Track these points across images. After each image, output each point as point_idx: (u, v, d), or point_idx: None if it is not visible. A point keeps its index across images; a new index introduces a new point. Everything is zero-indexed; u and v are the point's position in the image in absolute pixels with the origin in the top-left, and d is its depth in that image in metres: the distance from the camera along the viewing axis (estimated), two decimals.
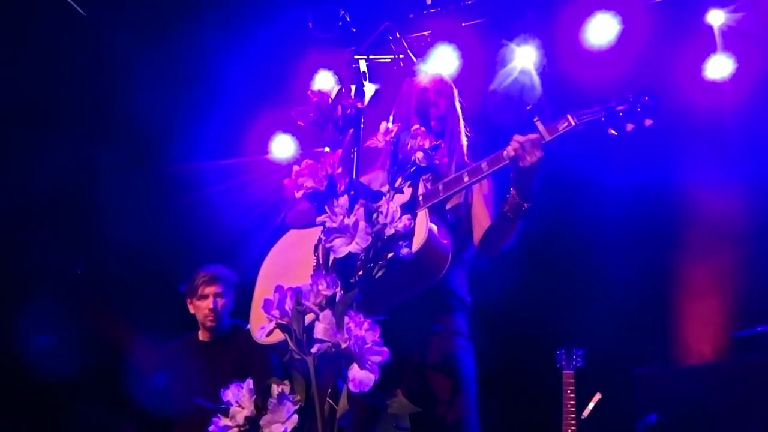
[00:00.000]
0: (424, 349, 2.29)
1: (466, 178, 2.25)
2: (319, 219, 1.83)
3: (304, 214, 2.23)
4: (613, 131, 2.20)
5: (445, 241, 2.21)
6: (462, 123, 2.58)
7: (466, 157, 2.54)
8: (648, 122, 2.17)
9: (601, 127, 2.20)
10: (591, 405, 3.79)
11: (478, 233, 2.41)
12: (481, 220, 2.41)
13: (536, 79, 4.12)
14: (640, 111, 2.16)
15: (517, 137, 2.18)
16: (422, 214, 2.16)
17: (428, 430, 2.18)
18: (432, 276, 2.18)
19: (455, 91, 2.58)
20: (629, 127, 2.18)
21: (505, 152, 2.20)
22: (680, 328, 4.27)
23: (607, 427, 3.83)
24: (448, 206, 2.35)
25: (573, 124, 2.18)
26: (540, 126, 2.20)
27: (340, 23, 4.18)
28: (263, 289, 2.42)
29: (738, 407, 3.41)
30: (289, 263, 2.37)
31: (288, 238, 2.49)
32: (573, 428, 3.65)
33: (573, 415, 3.67)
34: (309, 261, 2.29)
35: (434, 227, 2.17)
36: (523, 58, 4.20)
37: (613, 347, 4.07)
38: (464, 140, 2.57)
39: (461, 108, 2.59)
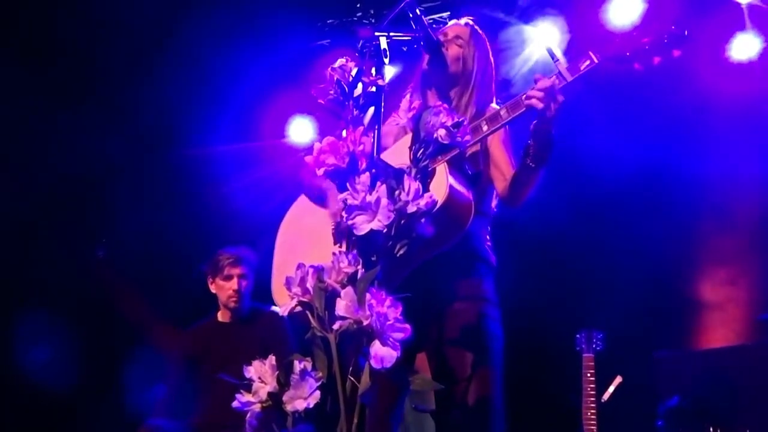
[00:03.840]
0: (447, 320, 2.22)
1: (485, 127, 2.15)
2: (341, 196, 1.82)
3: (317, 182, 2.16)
4: (638, 66, 2.04)
5: (467, 193, 2.14)
6: (492, 68, 2.44)
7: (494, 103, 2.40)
8: (676, 53, 2.01)
9: (625, 62, 2.04)
10: (611, 388, 3.77)
11: (500, 182, 2.29)
12: (503, 168, 2.29)
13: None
14: (668, 41, 2.01)
15: (533, 91, 2.04)
16: (441, 169, 2.07)
17: (452, 408, 2.15)
18: (456, 232, 2.09)
19: (482, 36, 2.44)
20: (656, 60, 2.02)
21: (523, 97, 2.07)
22: (702, 310, 4.24)
23: (628, 411, 3.81)
24: (466, 155, 2.22)
25: (595, 60, 2.04)
26: (560, 67, 2.06)
27: (358, 4, 4.15)
28: (282, 259, 2.39)
29: (760, 390, 3.38)
30: (306, 228, 2.32)
31: (302, 202, 2.43)
32: (593, 412, 3.64)
33: (593, 399, 3.66)
34: (325, 224, 2.25)
35: (454, 183, 2.09)
36: (543, 41, 4.13)
37: (633, 330, 4.05)
38: (493, 87, 2.44)
39: (491, 55, 2.45)
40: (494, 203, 2.39)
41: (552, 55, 2.10)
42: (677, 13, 3.74)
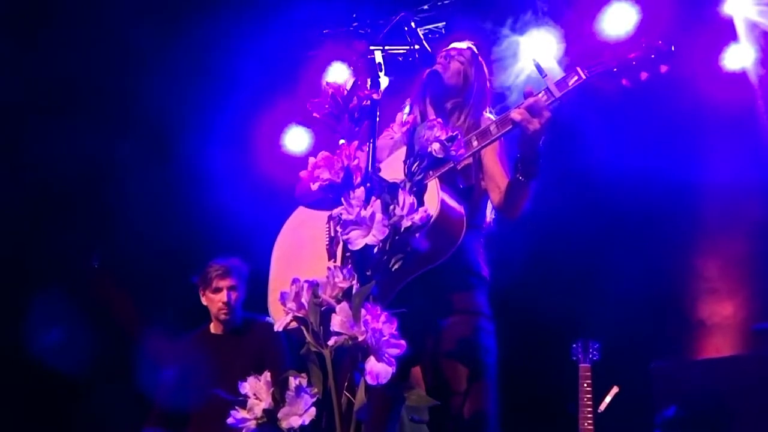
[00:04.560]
0: (441, 334, 2.23)
1: (475, 143, 2.17)
2: (336, 211, 1.82)
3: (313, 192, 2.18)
4: (626, 82, 2.06)
5: (459, 208, 2.14)
6: (488, 86, 2.50)
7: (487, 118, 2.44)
8: (663, 68, 2.03)
9: (613, 78, 2.06)
10: (608, 399, 3.77)
11: (496, 194, 2.30)
12: (498, 180, 2.30)
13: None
14: (655, 57, 2.03)
15: (519, 109, 2.06)
16: (433, 184, 2.08)
17: (446, 422, 2.16)
18: (449, 247, 2.09)
19: (482, 61, 2.50)
20: (643, 75, 2.05)
21: (511, 115, 2.10)
22: (698, 321, 4.24)
23: (625, 421, 3.80)
24: (458, 169, 2.24)
25: (583, 77, 2.06)
26: (549, 83, 2.08)
27: (353, 14, 4.16)
28: (278, 272, 2.40)
29: (757, 400, 3.38)
30: (301, 241, 2.34)
31: (298, 215, 2.44)
32: (590, 422, 3.63)
33: (590, 409, 3.65)
34: (321, 237, 2.27)
35: (446, 197, 2.10)
36: (533, 55, 4.13)
37: (629, 340, 4.04)
38: (488, 108, 2.48)
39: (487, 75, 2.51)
40: (489, 217, 2.40)
41: (540, 71, 2.11)
42: (671, 24, 3.77)
